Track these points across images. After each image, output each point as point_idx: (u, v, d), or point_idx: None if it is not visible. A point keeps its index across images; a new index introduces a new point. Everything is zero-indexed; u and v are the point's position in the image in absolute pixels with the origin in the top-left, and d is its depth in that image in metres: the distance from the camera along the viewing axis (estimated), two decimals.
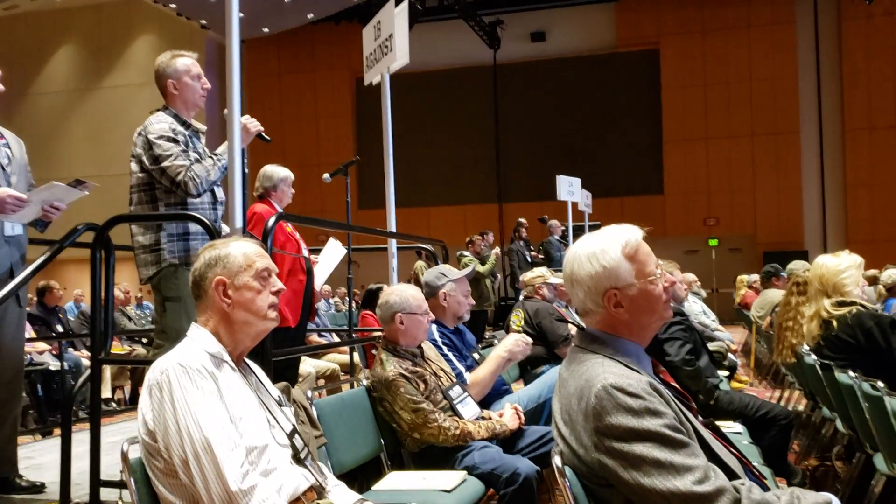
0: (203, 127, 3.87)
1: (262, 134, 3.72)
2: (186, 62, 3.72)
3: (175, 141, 3.55)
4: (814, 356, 4.16)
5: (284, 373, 4.46)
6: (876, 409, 3.17)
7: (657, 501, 1.69)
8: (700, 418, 1.97)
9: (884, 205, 19.25)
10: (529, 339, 4.07)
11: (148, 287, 3.75)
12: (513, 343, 3.99)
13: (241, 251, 2.17)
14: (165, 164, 3.51)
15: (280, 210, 4.84)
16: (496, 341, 6.01)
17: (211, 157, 3.61)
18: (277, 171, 4.94)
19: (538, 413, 3.93)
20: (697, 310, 8.54)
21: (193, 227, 3.61)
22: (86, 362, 7.67)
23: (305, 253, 4.87)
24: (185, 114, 3.75)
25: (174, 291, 3.56)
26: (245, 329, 2.14)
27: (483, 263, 10.78)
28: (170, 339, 3.50)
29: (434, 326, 4.04)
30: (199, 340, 2.08)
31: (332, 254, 5.31)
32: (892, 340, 3.83)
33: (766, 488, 1.84)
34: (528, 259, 11.98)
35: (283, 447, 2.11)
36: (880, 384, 3.13)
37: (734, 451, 1.97)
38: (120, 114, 21.46)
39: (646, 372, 1.91)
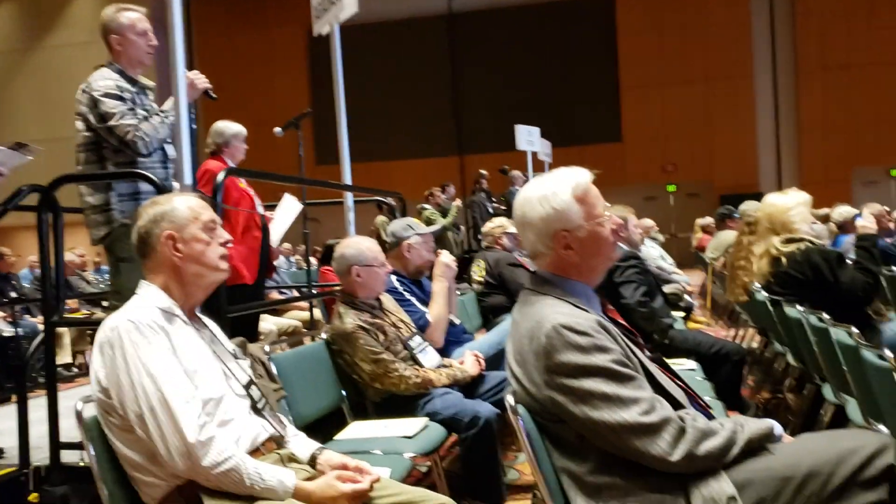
0: (151, 83, 3.79)
1: (209, 92, 3.65)
2: (132, 17, 3.63)
3: (121, 99, 3.48)
4: (764, 293, 4.26)
5: (244, 331, 4.44)
6: (823, 340, 3.26)
7: (606, 434, 1.75)
8: (648, 353, 2.02)
9: (836, 145, 19.53)
10: (450, 257, 4.21)
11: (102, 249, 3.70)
12: (442, 268, 4.08)
13: (185, 205, 2.15)
14: (112, 122, 3.44)
15: (233, 166, 4.79)
16: (458, 293, 6.05)
17: (158, 114, 3.55)
18: (229, 127, 4.88)
19: (498, 359, 3.97)
20: (655, 254, 8.66)
21: (144, 186, 3.55)
22: (42, 328, 7.59)
23: (261, 209, 4.83)
24: (131, 70, 3.67)
25: (127, 252, 3.51)
26: (197, 281, 2.13)
27: (444, 216, 10.77)
28: (125, 300, 3.47)
29: (393, 277, 4.06)
30: (148, 297, 2.08)
31: (288, 209, 5.27)
32: (839, 274, 3.93)
33: (711, 417, 1.91)
34: (490, 210, 11.99)
35: (241, 398, 2.12)
36: (826, 316, 3.21)
37: (680, 384, 2.03)
38: (66, 74, 20.76)
39: (594, 311, 1.95)
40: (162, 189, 3.15)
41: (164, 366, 1.92)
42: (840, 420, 3.33)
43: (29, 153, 3.51)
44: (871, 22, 19.27)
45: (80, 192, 3.62)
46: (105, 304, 8.95)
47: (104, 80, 3.53)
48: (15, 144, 3.46)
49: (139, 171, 3.41)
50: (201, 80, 3.54)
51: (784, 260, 4.10)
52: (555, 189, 1.96)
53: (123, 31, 3.61)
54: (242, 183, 4.64)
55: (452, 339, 4.19)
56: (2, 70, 22.56)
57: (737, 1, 20.06)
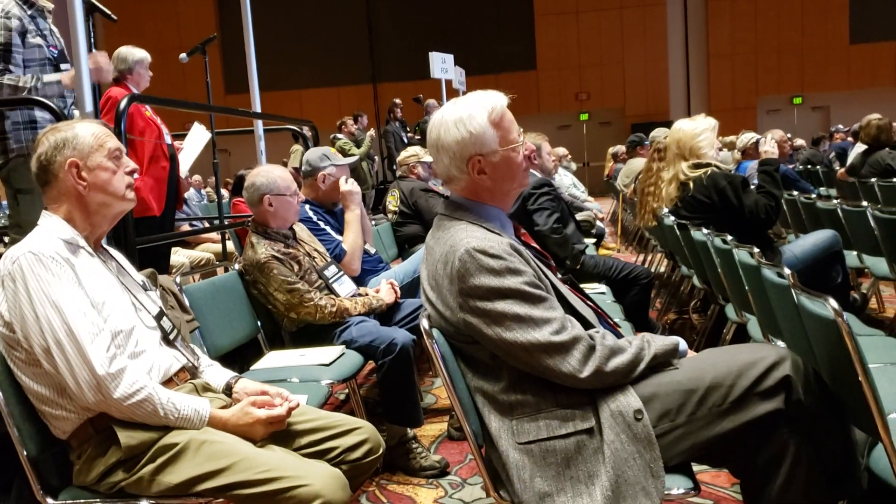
0: (50, 5, 3.59)
1: (107, 12, 3.48)
2: None
3: (6, 29, 3.30)
4: (672, 217, 4.38)
5: (155, 263, 4.35)
6: (726, 261, 3.39)
7: (518, 353, 1.79)
8: (559, 276, 2.06)
9: (743, 73, 20.03)
10: (353, 183, 4.14)
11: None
12: (347, 197, 4.07)
13: (90, 132, 2.06)
14: None
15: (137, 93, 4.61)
16: (373, 224, 6.03)
17: (32, 76, 3.36)
18: (133, 53, 4.69)
19: (414, 287, 4.00)
20: (568, 182, 8.79)
21: (41, 115, 3.41)
22: None
23: (168, 139, 4.68)
24: None
25: (26, 183, 3.38)
26: (102, 211, 2.06)
27: (358, 146, 10.65)
28: (24, 233, 3.35)
29: (307, 206, 4.01)
30: (50, 228, 1.99)
31: (197, 138, 5.12)
32: (742, 198, 4.06)
33: (619, 336, 1.97)
34: (405, 140, 11.89)
35: (151, 329, 2.09)
36: (729, 238, 3.33)
37: (590, 304, 2.08)
38: None
39: (508, 235, 1.97)
40: (61, 117, 3.02)
41: (70, 298, 1.86)
42: (742, 337, 3.49)
43: None
44: None
45: None
46: (6, 239, 8.62)
47: None
48: None
49: (36, 98, 3.25)
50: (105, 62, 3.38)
51: (691, 184, 4.21)
52: (471, 112, 1.94)
53: None
54: (148, 111, 4.48)
55: (368, 269, 4.19)
56: None
57: None
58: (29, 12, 3.42)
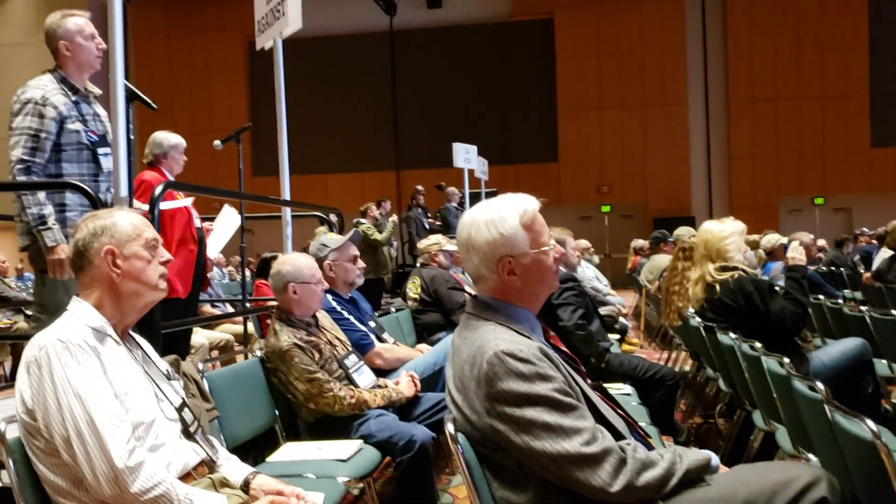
0: (97, 91, 3.69)
1: (147, 100, 3.57)
2: (79, 22, 3.55)
3: (40, 116, 3.39)
4: (698, 318, 4.33)
5: (176, 345, 4.35)
6: (754, 368, 3.33)
7: (547, 463, 1.74)
8: (589, 381, 2.03)
9: (764, 174, 20.13)
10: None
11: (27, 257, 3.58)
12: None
13: (128, 221, 2.09)
14: (11, 141, 3.40)
15: (171, 178, 4.70)
16: (392, 309, 6.02)
17: (50, 206, 3.41)
18: (168, 138, 4.80)
19: (434, 380, 3.96)
20: (590, 275, 8.77)
21: (70, 199, 3.46)
22: None
23: (197, 223, 4.74)
24: (77, 76, 3.59)
25: None
26: (133, 300, 2.06)
27: (380, 231, 10.73)
28: (48, 313, 3.36)
29: (329, 296, 4.01)
30: (80, 314, 1.99)
31: (228, 221, 5.18)
32: (769, 304, 4.02)
33: (650, 447, 1.91)
34: (426, 226, 11.98)
35: (172, 421, 2.06)
36: (758, 345, 3.28)
37: (621, 413, 2.03)
38: None
39: (537, 337, 1.95)
40: (95, 201, 3.05)
41: (94, 388, 1.84)
42: (770, 446, 3.39)
43: None
44: (797, 59, 19.99)
45: (14, 197, 3.51)
46: (28, 312, 8.67)
47: (35, 89, 3.46)
48: None
49: (72, 182, 3.30)
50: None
51: (718, 287, 4.18)
52: (502, 214, 1.95)
53: (72, 37, 3.53)
54: (180, 196, 4.55)
55: (357, 317, 4.18)
56: None
57: (672, 32, 20.53)
58: (73, 98, 3.52)
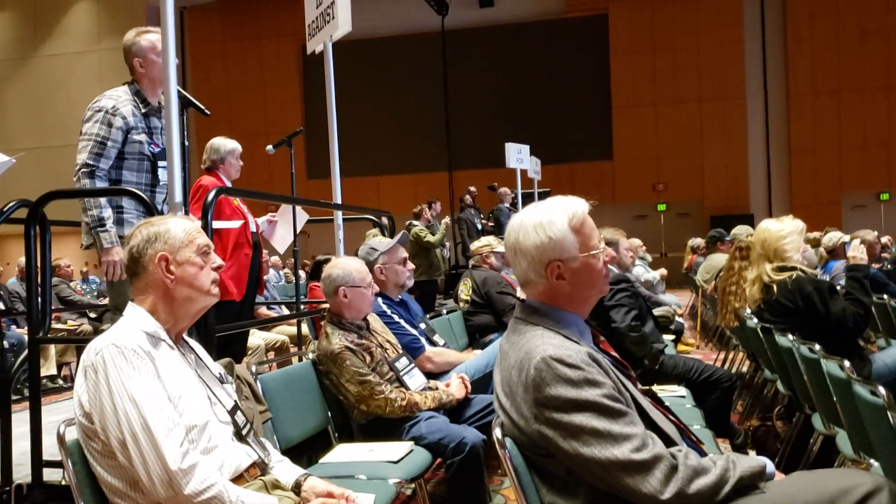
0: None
1: (201, 107, 3.64)
2: (152, 38, 3.69)
3: (109, 125, 3.54)
4: (755, 320, 4.24)
5: (231, 347, 4.43)
6: (813, 371, 3.24)
7: (596, 470, 1.71)
8: (639, 386, 2.00)
9: (826, 169, 19.65)
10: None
11: (95, 261, 3.72)
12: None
13: (181, 227, 2.13)
14: (79, 145, 3.55)
15: (228, 183, 4.78)
16: (444, 311, 6.03)
17: (109, 209, 3.55)
18: (225, 144, 4.90)
19: (485, 382, 3.95)
20: (641, 272, 8.67)
21: (128, 203, 3.59)
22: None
23: (253, 227, 4.82)
24: (151, 90, 3.74)
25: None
26: (186, 305, 2.11)
27: (433, 233, 10.75)
28: (121, 314, 3.46)
29: (380, 299, 4.03)
30: (134, 319, 2.05)
31: (296, 218, 5.23)
32: (830, 305, 3.92)
33: (703, 454, 1.88)
34: (479, 227, 11.97)
35: (225, 424, 2.09)
36: (817, 347, 3.20)
37: (672, 418, 2.00)
38: (59, 84, 20.83)
39: (586, 342, 1.92)
40: (149, 206, 3.13)
41: (148, 392, 1.88)
42: (829, 450, 3.31)
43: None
44: (860, 49, 19.45)
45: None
46: (92, 315, 8.91)
47: (106, 98, 3.62)
48: None
49: (129, 189, 3.40)
50: None
51: (775, 287, 4.09)
52: (551, 217, 1.93)
53: (145, 53, 3.69)
54: (236, 200, 4.63)
55: (407, 320, 4.19)
56: None
57: (729, 24, 20.18)
58: (143, 110, 3.66)
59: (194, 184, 4.58)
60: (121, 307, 3.43)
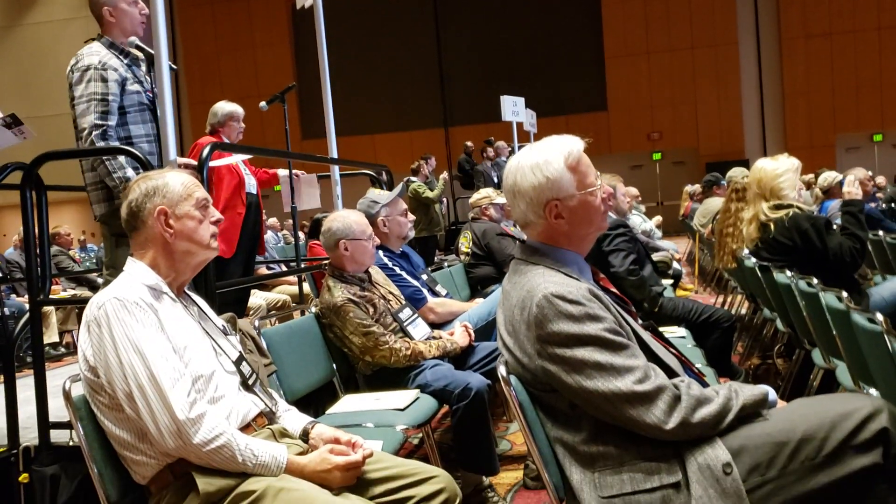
0: (150, 50, 3.71)
1: (171, 64, 3.59)
2: None
3: (103, 80, 3.42)
4: (753, 259, 4.26)
5: (232, 307, 4.44)
6: (812, 305, 3.27)
7: (600, 402, 1.73)
8: (640, 321, 2.01)
9: (820, 111, 19.59)
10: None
11: (92, 229, 3.67)
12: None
13: (179, 181, 2.12)
14: (78, 109, 3.42)
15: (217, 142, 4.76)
16: (446, 265, 6.04)
17: (131, 169, 3.41)
18: (223, 107, 4.92)
19: (488, 330, 3.98)
20: (639, 222, 8.67)
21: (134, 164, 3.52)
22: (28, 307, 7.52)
23: (251, 188, 4.82)
24: (123, 42, 3.60)
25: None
26: (186, 259, 2.11)
27: (431, 189, 10.72)
28: (120, 273, 3.44)
29: (381, 252, 4.04)
30: (135, 273, 2.05)
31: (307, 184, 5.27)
32: (827, 240, 3.93)
33: (705, 385, 1.90)
34: (495, 180, 11.85)
35: (231, 374, 2.10)
36: (815, 281, 3.22)
37: (673, 351, 2.02)
38: (47, 52, 20.57)
39: (586, 279, 1.93)
40: (146, 165, 3.09)
41: (152, 343, 1.89)
42: (830, 384, 3.35)
43: (22, 134, 3.38)
44: None
45: (82, 169, 3.57)
46: (100, 280, 8.91)
47: (90, 56, 3.48)
48: (10, 117, 3.34)
49: (124, 147, 3.35)
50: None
51: (772, 226, 4.10)
52: (547, 157, 1.93)
53: (115, 2, 3.56)
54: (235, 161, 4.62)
55: (409, 272, 4.20)
56: None
57: None
58: (125, 61, 3.56)
59: (193, 144, 4.55)
60: (118, 267, 3.44)
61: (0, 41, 22.24)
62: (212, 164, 3.99)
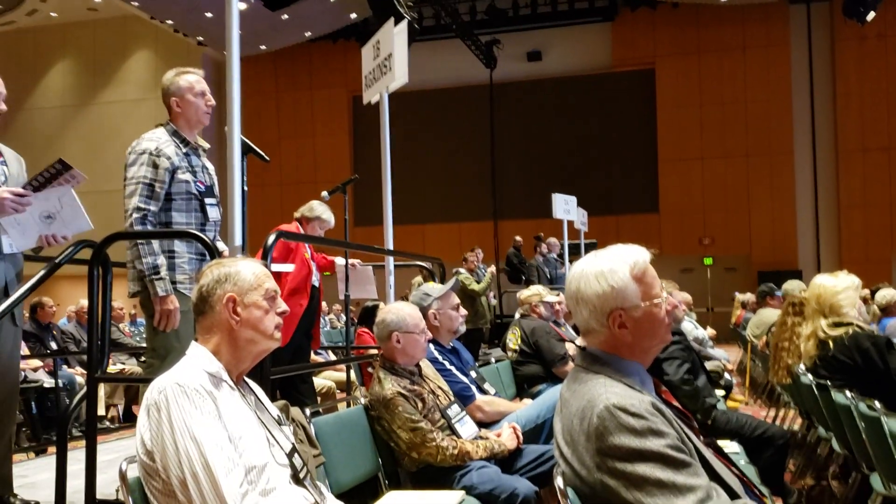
0: (206, 144, 3.87)
1: (261, 153, 3.73)
2: (190, 79, 3.73)
3: (154, 166, 3.54)
4: (810, 376, 4.17)
5: (298, 388, 4.46)
6: (873, 429, 3.17)
7: None
8: (701, 437, 1.97)
9: (877, 225, 19.34)
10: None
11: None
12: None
13: (251, 270, 2.17)
14: (127, 190, 3.55)
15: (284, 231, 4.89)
16: (492, 360, 6.01)
17: (162, 257, 3.53)
18: (321, 210, 5.12)
19: (537, 432, 3.92)
20: (691, 328, 8.55)
21: (179, 246, 3.59)
22: (80, 380, 7.62)
23: (315, 281, 4.91)
24: (188, 131, 3.75)
25: None
26: (249, 347, 2.13)
27: (478, 282, 10.74)
28: (159, 357, 3.48)
29: (432, 346, 4.04)
30: (198, 359, 2.07)
31: (360, 275, 5.39)
32: (889, 361, 3.84)
33: None
34: (549, 276, 11.85)
35: (283, 466, 2.10)
36: (877, 404, 3.13)
37: (735, 471, 1.97)
38: (116, 130, 21.48)
39: (648, 392, 1.91)
40: (212, 250, 3.18)
41: (209, 432, 1.90)
42: None
43: (74, 178, 3.40)
44: None
45: (128, 245, 3.66)
46: (143, 358, 9.04)
47: (149, 141, 3.62)
48: (58, 163, 3.35)
49: (191, 231, 3.45)
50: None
51: (831, 343, 4.03)
52: (612, 266, 1.93)
53: (182, 93, 3.71)
54: (307, 253, 4.73)
55: (458, 367, 4.17)
56: (56, 124, 23.29)
57: (777, 79, 20.14)
58: (184, 150, 3.69)
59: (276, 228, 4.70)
60: (158, 350, 3.49)
61: (73, 118, 23.29)
62: (274, 268, 4.09)
